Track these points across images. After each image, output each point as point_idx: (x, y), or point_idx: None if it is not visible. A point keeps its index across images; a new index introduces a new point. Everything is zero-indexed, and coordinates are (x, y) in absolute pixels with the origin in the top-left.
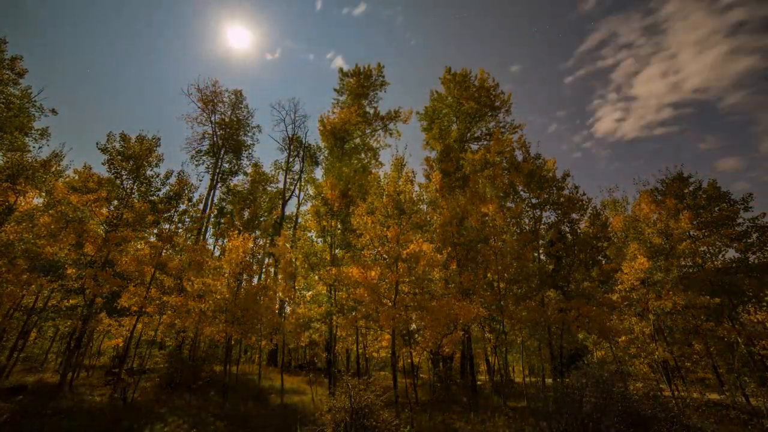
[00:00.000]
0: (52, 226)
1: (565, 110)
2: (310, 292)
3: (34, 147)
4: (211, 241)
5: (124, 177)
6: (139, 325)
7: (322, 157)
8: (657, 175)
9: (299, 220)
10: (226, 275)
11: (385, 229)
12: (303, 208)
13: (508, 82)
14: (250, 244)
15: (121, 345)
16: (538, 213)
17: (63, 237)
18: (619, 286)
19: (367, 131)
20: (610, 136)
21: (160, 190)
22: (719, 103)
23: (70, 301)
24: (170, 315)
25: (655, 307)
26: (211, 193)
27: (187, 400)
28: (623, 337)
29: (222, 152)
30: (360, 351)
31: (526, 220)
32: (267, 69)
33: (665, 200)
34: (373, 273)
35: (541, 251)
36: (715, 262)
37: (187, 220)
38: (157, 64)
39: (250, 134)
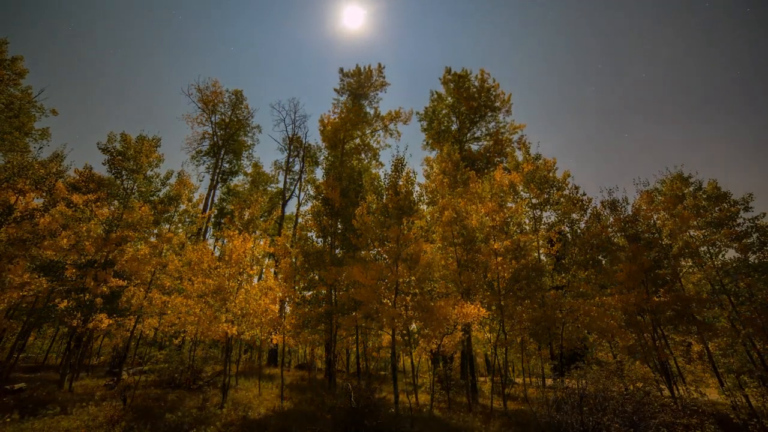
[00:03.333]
0: (53, 227)
1: None
2: (310, 292)
3: (34, 147)
4: (211, 241)
5: (125, 177)
6: (139, 325)
7: (322, 157)
8: (657, 175)
9: (299, 220)
10: (226, 275)
11: (385, 229)
12: (303, 208)
13: None
14: (250, 245)
15: (121, 345)
16: (538, 213)
17: (63, 237)
18: (619, 286)
19: (368, 131)
20: None
21: (160, 190)
22: None
23: (70, 301)
24: (170, 315)
25: (654, 307)
26: (211, 193)
27: (186, 399)
28: (623, 337)
29: (222, 152)
30: (360, 351)
31: (526, 220)
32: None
33: (665, 200)
34: (373, 273)
35: (541, 251)
36: (715, 262)
37: (187, 220)
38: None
39: (250, 134)
